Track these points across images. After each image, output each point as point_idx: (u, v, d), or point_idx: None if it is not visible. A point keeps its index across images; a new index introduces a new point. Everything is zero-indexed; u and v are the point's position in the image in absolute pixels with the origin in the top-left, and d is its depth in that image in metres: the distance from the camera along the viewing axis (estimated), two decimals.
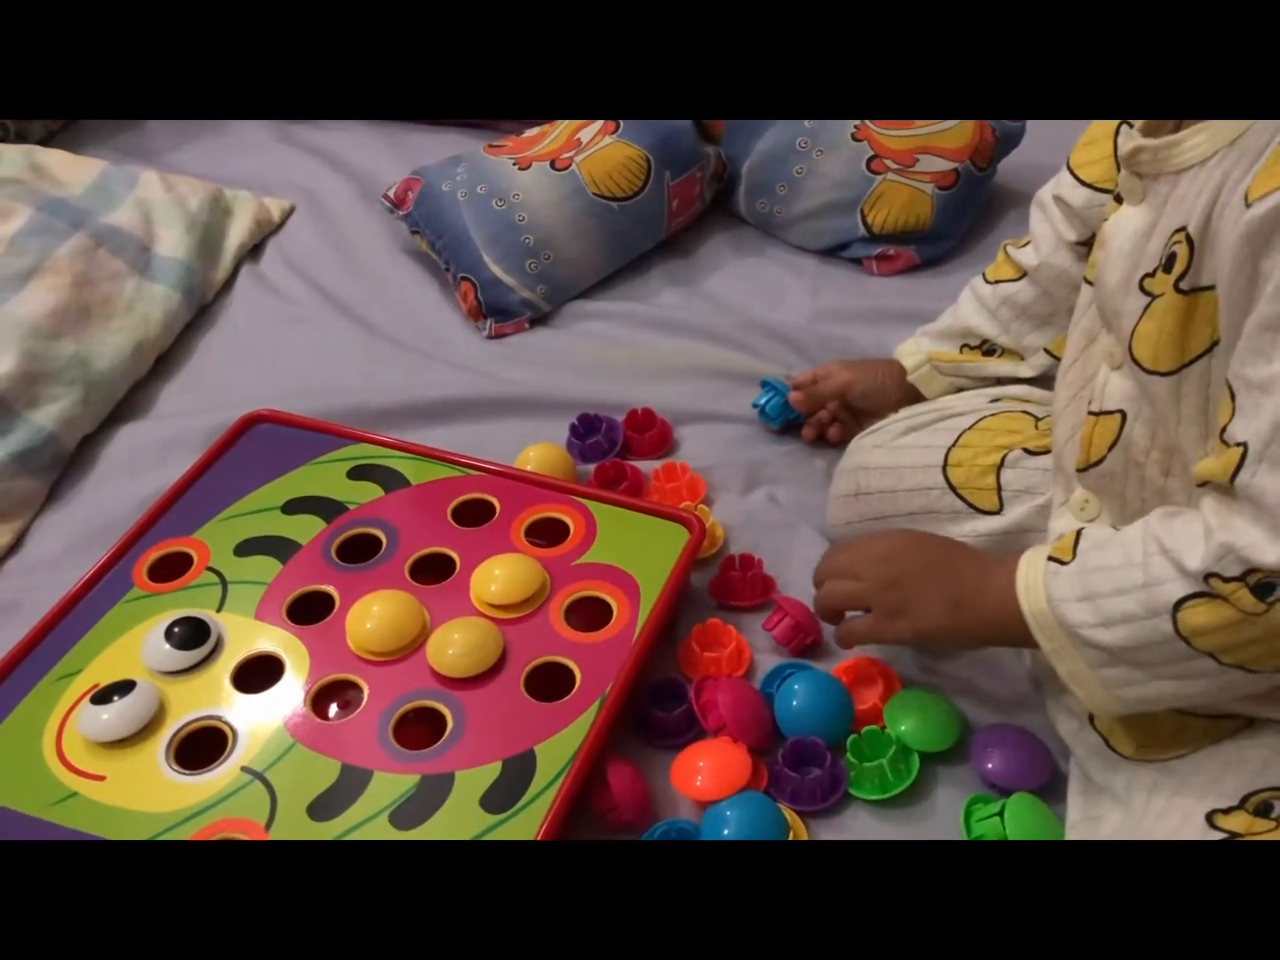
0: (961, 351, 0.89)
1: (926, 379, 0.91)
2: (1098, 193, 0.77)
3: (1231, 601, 0.53)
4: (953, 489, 0.81)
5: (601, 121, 1.16)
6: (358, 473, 0.89)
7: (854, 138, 1.14)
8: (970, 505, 0.80)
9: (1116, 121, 0.73)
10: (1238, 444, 0.53)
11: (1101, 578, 0.59)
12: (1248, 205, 0.52)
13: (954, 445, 0.82)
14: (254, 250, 1.22)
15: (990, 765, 0.72)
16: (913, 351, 0.92)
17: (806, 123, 1.15)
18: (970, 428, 0.83)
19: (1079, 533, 0.62)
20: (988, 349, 0.88)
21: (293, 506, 0.86)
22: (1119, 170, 0.66)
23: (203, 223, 1.17)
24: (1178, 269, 0.58)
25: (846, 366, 0.97)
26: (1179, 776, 0.63)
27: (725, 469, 0.96)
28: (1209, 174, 0.57)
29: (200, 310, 1.14)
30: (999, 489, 0.79)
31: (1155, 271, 0.60)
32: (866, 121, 1.14)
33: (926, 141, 1.13)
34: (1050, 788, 0.72)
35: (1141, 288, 0.61)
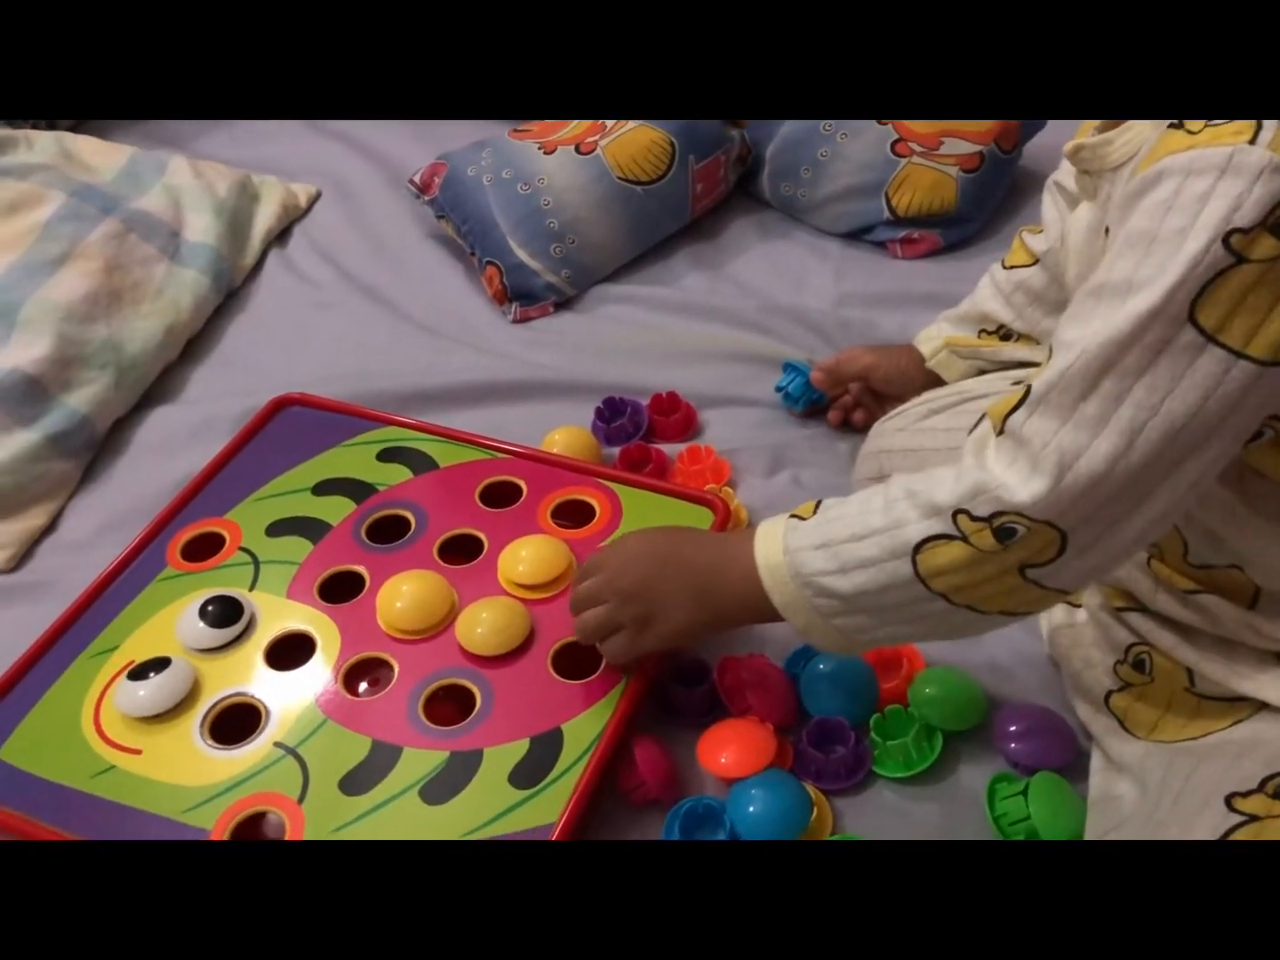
0: (979, 336, 0.90)
1: (945, 364, 0.91)
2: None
3: (972, 540, 0.55)
4: None
5: None
6: (387, 455, 0.90)
7: (878, 121, 1.14)
8: None
9: None
10: (1024, 387, 0.54)
11: (840, 526, 0.60)
12: None
13: (975, 428, 0.82)
14: (281, 235, 1.23)
15: (1013, 744, 0.73)
16: (932, 337, 0.93)
17: None
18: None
19: (820, 499, 0.64)
20: (1004, 334, 0.88)
21: (323, 488, 0.87)
22: None
23: (231, 208, 1.19)
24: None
25: (870, 351, 0.98)
26: (1195, 757, 0.64)
27: (749, 452, 0.96)
28: (1129, 169, 0.57)
29: (229, 295, 1.15)
30: None
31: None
32: None
33: (951, 125, 1.12)
34: (1073, 766, 0.72)
35: None
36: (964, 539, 0.55)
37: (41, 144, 1.19)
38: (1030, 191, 1.19)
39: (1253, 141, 0.47)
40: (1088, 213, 0.64)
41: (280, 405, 0.95)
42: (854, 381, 0.97)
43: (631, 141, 1.13)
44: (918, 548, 0.56)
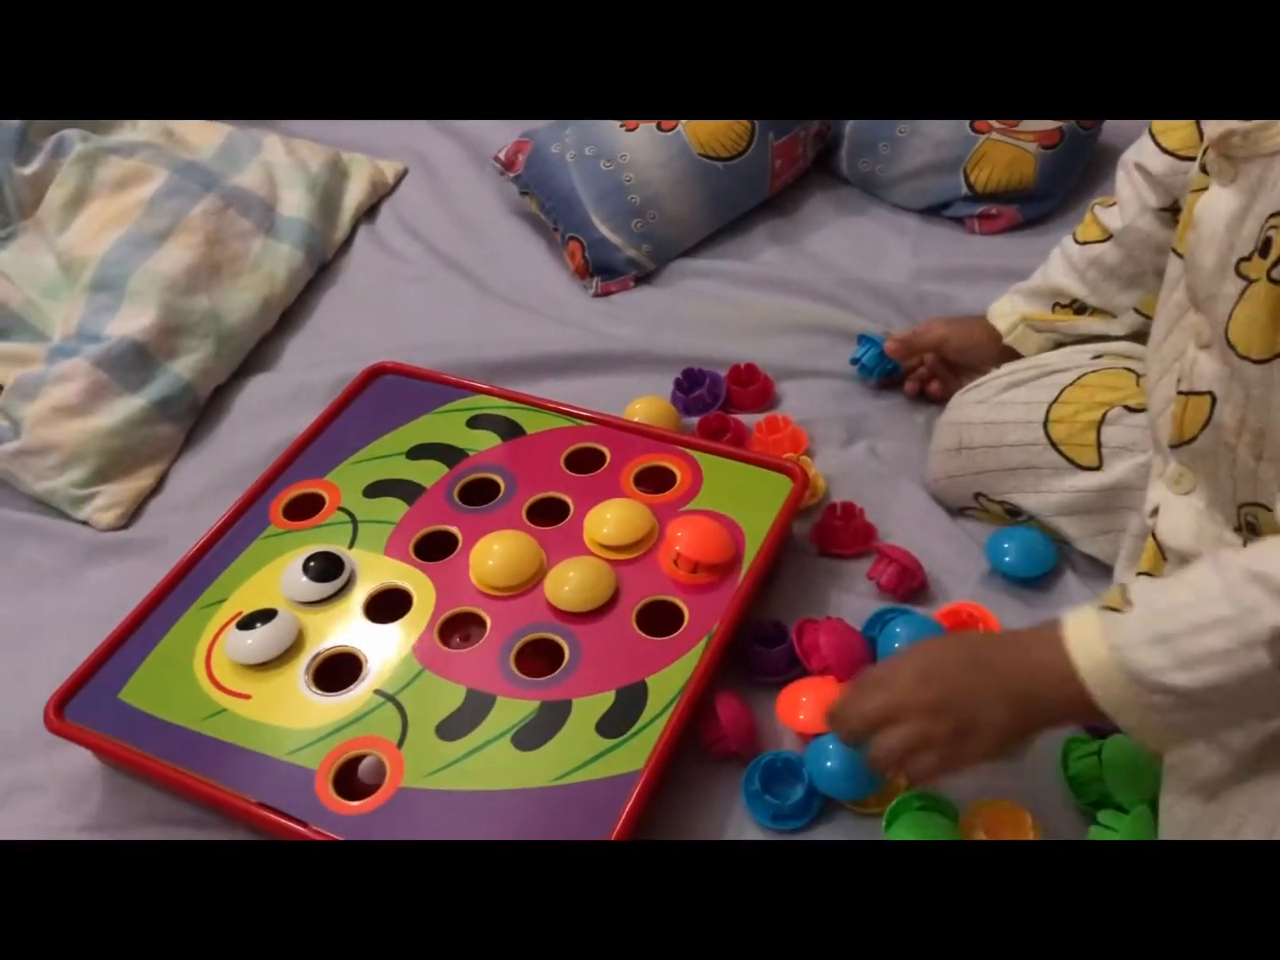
0: (1054, 310, 0.91)
1: (1022, 339, 0.92)
2: (1180, 160, 0.77)
3: None
4: (1054, 445, 0.83)
5: None
6: (476, 422, 0.93)
7: None
8: (1071, 461, 0.82)
9: None
10: None
11: (1175, 617, 0.55)
12: None
13: (1055, 401, 0.84)
14: (370, 211, 1.27)
15: None
16: (1007, 313, 0.93)
17: None
18: (1072, 384, 0.84)
19: (1124, 585, 0.60)
20: (1078, 308, 0.89)
21: (417, 452, 0.91)
22: (1201, 139, 0.66)
23: (322, 184, 1.23)
24: (1273, 255, 0.58)
25: (944, 322, 0.99)
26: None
27: (826, 422, 0.98)
28: None
29: (321, 268, 1.20)
30: (1099, 445, 0.81)
31: (1251, 255, 0.60)
32: None
33: None
34: None
35: (1238, 272, 0.61)
36: None
37: (145, 124, 1.24)
38: (1110, 168, 1.17)
39: None
40: (1228, 199, 0.62)
41: (375, 373, 0.99)
42: (928, 352, 0.98)
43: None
44: (1276, 634, 0.52)
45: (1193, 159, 0.70)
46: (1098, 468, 0.81)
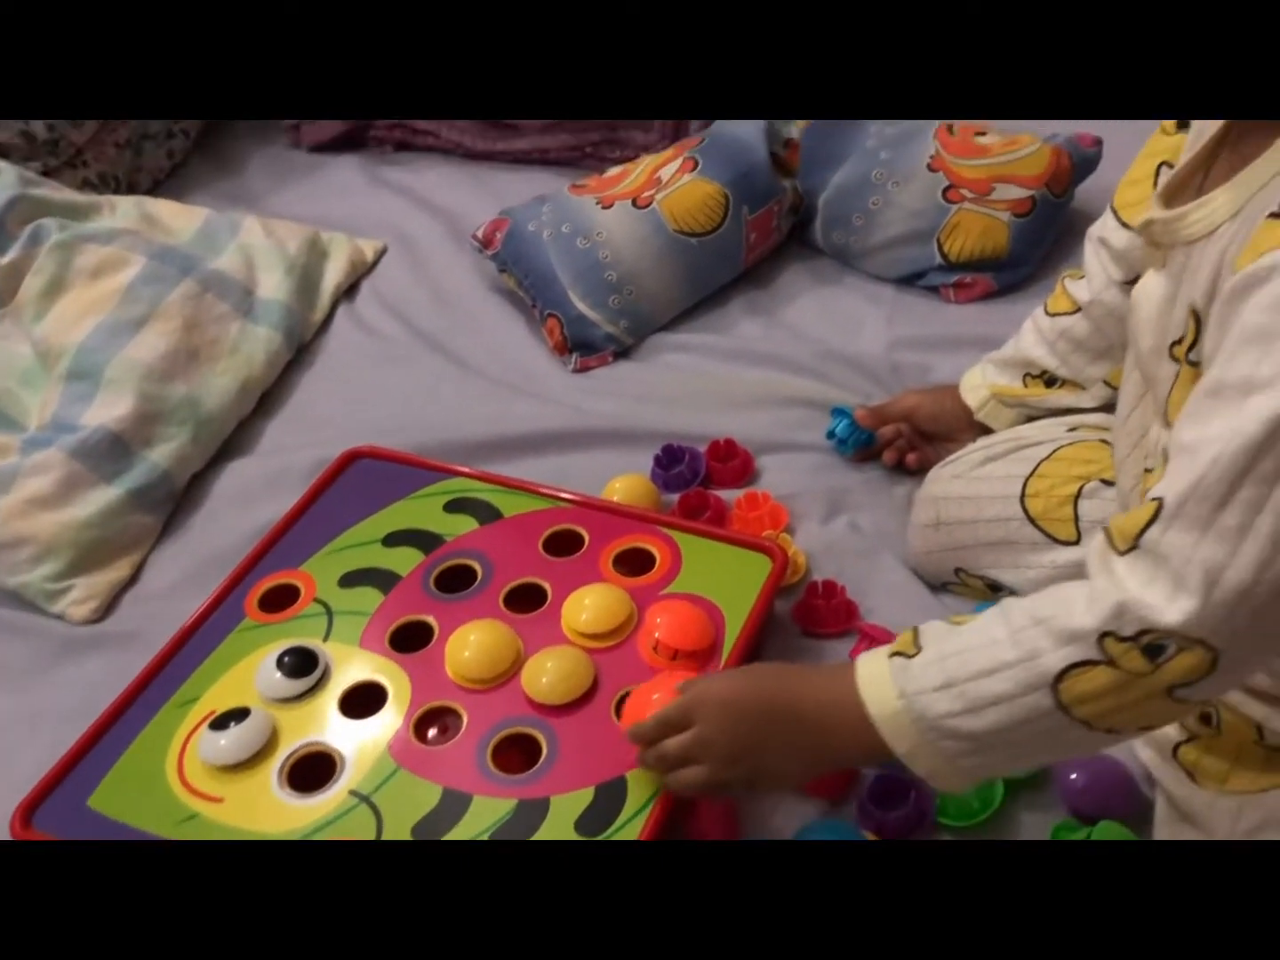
0: (1024, 382, 0.91)
1: (993, 414, 0.92)
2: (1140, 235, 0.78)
3: (1121, 664, 0.52)
4: (1031, 520, 0.82)
5: (681, 160, 1.19)
6: (453, 506, 0.93)
7: (929, 168, 1.15)
8: (1049, 536, 0.81)
9: (1158, 161, 0.74)
10: (1154, 499, 0.53)
11: (961, 662, 0.57)
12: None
13: (1031, 475, 0.84)
14: (349, 290, 1.28)
15: (1076, 792, 0.73)
16: (978, 385, 0.94)
17: (882, 154, 1.17)
18: (1047, 457, 0.84)
19: (915, 628, 0.61)
20: (1049, 379, 0.89)
21: (393, 539, 0.90)
22: None
23: (301, 265, 1.23)
24: (1187, 340, 0.58)
25: (916, 392, 1.00)
26: (1265, 809, 0.63)
27: (806, 497, 0.98)
28: (1214, 247, 0.57)
29: (300, 349, 1.20)
30: (1076, 520, 0.80)
31: (1182, 339, 0.60)
32: (941, 152, 1.15)
33: (1002, 170, 1.14)
34: (1136, 815, 0.72)
35: (1172, 355, 0.61)
36: (1110, 663, 0.53)
37: (123, 208, 1.24)
38: (1081, 235, 1.17)
39: None
40: (1159, 284, 0.64)
41: (351, 458, 0.99)
42: (901, 422, 0.98)
43: (687, 195, 1.16)
44: (1059, 677, 0.54)
45: None
46: (1076, 542, 0.81)
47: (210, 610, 0.86)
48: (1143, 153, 0.78)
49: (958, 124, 1.18)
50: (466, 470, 0.96)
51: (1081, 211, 1.20)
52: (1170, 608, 0.51)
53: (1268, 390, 0.49)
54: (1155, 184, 0.73)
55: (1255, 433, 0.49)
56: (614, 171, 1.23)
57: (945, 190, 1.14)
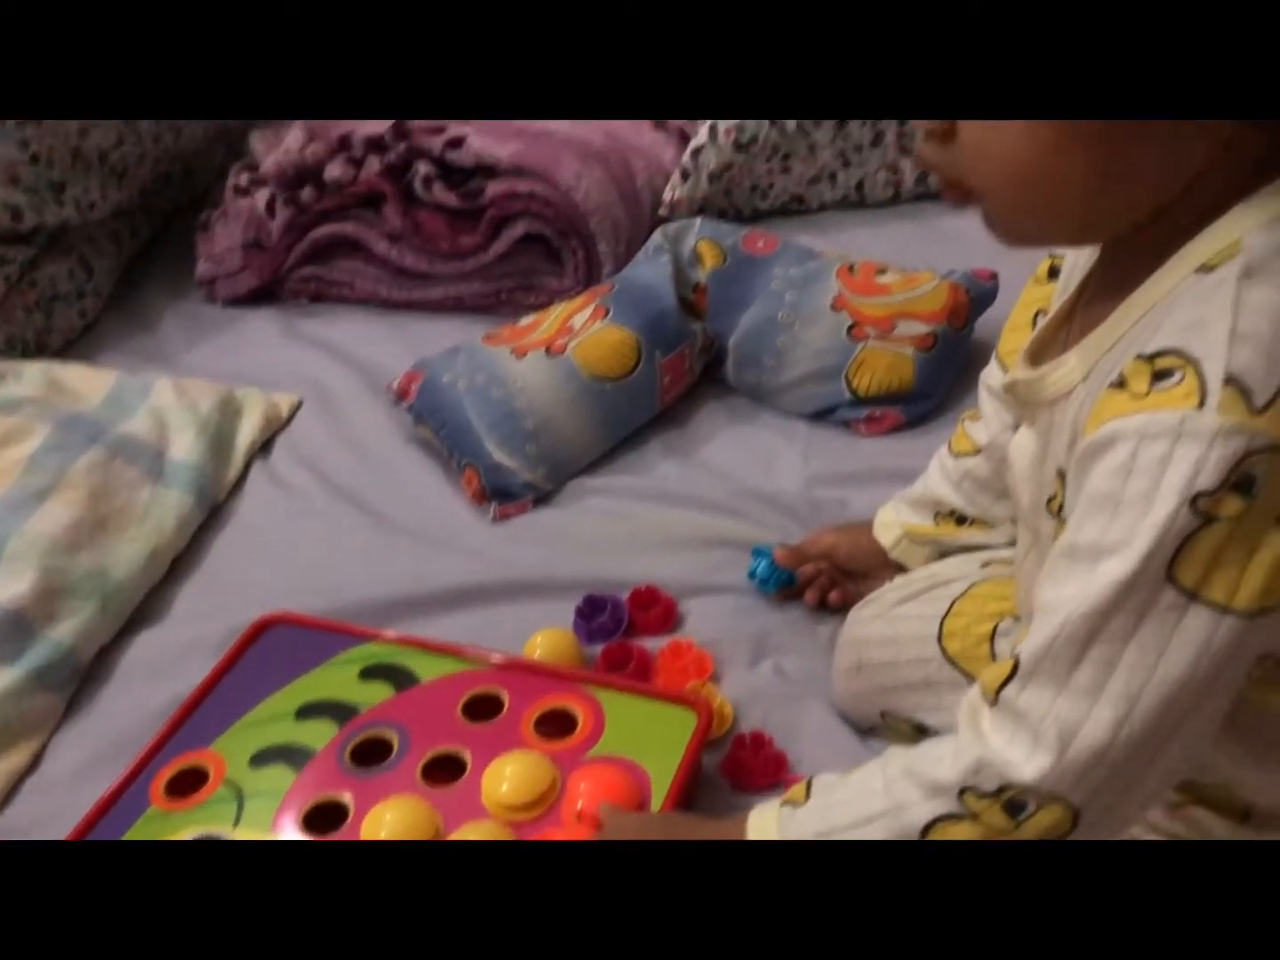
0: (936, 520, 0.92)
1: (907, 554, 0.93)
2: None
3: (983, 819, 0.53)
4: (950, 660, 0.82)
5: (592, 307, 1.21)
6: (369, 673, 0.90)
7: (833, 308, 1.18)
8: (968, 676, 0.81)
9: (1034, 310, 0.76)
10: (1013, 656, 0.54)
11: (839, 812, 0.58)
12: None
13: (948, 614, 0.84)
14: (264, 446, 1.26)
15: None
16: (890, 523, 0.95)
17: (787, 295, 1.20)
18: (962, 595, 0.85)
19: (810, 778, 0.62)
20: (959, 518, 0.91)
21: (306, 711, 0.88)
22: None
23: (214, 425, 1.22)
24: (1059, 499, 0.60)
25: (832, 530, 1.00)
26: None
27: (730, 642, 0.97)
28: (1071, 408, 0.59)
29: (213, 510, 1.18)
30: (994, 659, 0.81)
31: (1055, 496, 0.61)
32: (844, 291, 1.19)
33: (903, 307, 1.17)
34: None
35: (1049, 510, 0.62)
36: (973, 817, 0.54)
37: (29, 375, 1.23)
38: (984, 364, 1.22)
39: (1201, 406, 0.49)
40: (1030, 441, 0.65)
41: (264, 626, 0.96)
42: (820, 560, 0.98)
43: (599, 342, 1.17)
44: (926, 829, 0.55)
45: None
46: None
47: (113, 799, 0.82)
48: (1020, 301, 0.81)
49: (858, 263, 1.22)
50: (382, 633, 0.94)
51: (982, 342, 1.24)
52: (1028, 765, 0.52)
53: (1115, 555, 0.50)
54: (1032, 327, 0.76)
55: (1105, 596, 0.50)
56: (527, 320, 1.25)
57: (850, 328, 1.18)
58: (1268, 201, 0.53)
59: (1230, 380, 0.49)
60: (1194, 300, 0.52)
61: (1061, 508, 0.59)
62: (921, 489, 0.94)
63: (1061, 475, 0.59)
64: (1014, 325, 0.81)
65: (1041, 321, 0.70)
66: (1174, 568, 0.50)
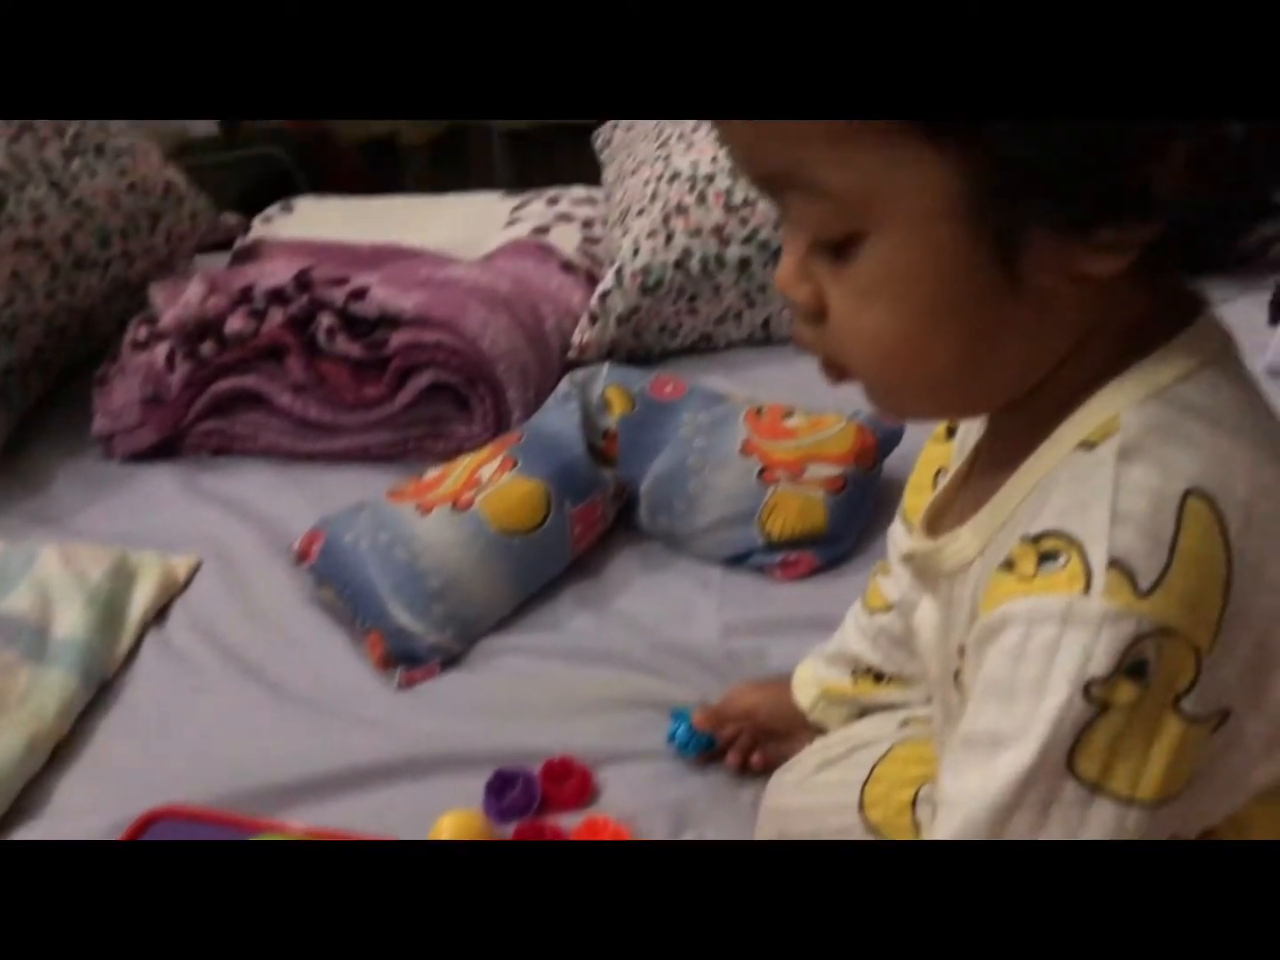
0: (854, 678, 0.90)
1: (825, 715, 0.91)
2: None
3: None
4: (872, 829, 0.79)
5: (500, 458, 1.19)
6: None
7: (743, 452, 1.18)
8: None
9: (935, 469, 0.75)
10: None
11: None
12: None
13: (868, 780, 0.81)
14: (160, 614, 1.21)
15: None
16: (808, 681, 0.92)
17: (696, 441, 1.19)
18: (883, 758, 0.82)
19: None
20: (876, 675, 0.88)
21: None
22: None
23: (105, 595, 1.16)
24: (963, 672, 0.58)
25: (753, 689, 0.97)
26: None
27: (649, 814, 0.93)
28: (968, 583, 0.58)
29: (102, 688, 1.11)
30: (915, 827, 0.78)
31: (959, 671, 0.59)
32: (752, 436, 1.18)
33: (812, 450, 1.17)
34: None
35: (956, 684, 0.60)
36: None
37: None
38: (896, 504, 1.22)
39: (1086, 591, 0.47)
40: (933, 611, 0.64)
41: (150, 820, 0.90)
42: (741, 720, 0.95)
43: (506, 495, 1.15)
44: None
45: None
46: None
47: None
48: (920, 460, 0.80)
49: (765, 406, 1.22)
50: (272, 824, 0.89)
51: (892, 481, 1.23)
52: None
53: (1013, 746, 0.48)
54: (933, 488, 0.75)
55: (1005, 790, 0.48)
56: (433, 474, 1.22)
57: (760, 472, 1.17)
58: (1144, 376, 0.52)
59: (1114, 563, 0.47)
60: (1074, 480, 0.51)
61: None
62: (838, 644, 0.91)
63: (962, 650, 0.57)
64: (916, 485, 0.79)
65: (941, 481, 0.69)
66: (1074, 759, 0.48)
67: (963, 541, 0.58)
